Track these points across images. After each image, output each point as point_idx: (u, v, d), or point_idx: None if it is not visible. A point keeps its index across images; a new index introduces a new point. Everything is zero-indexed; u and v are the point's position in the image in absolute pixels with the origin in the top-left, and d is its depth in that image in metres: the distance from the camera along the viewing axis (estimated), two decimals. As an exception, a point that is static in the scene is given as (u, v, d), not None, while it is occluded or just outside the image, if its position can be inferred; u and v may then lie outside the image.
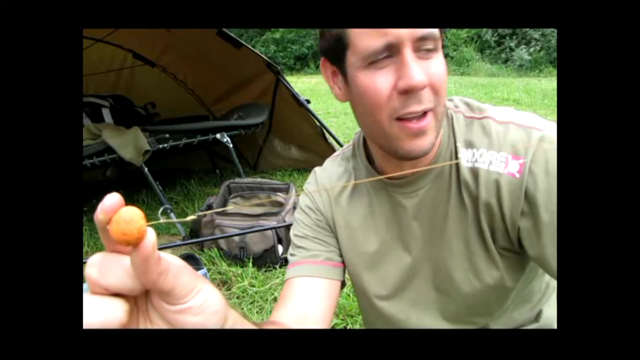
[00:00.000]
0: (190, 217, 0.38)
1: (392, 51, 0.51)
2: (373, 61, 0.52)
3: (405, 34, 0.50)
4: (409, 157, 0.57)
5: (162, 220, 0.37)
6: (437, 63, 0.53)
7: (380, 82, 0.52)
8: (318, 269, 0.68)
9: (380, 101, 0.53)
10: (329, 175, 0.74)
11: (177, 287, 0.32)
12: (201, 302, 0.33)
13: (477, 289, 0.63)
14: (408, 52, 0.51)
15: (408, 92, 0.51)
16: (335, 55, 0.57)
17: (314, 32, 11.84)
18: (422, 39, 0.51)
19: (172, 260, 0.32)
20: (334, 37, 0.55)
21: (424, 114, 0.53)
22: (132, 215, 0.29)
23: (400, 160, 0.59)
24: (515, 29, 10.35)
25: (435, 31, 0.52)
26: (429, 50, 0.52)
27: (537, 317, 0.72)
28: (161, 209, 2.17)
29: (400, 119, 0.53)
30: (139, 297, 0.34)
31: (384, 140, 0.57)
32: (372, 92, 0.53)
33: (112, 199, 0.30)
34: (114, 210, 0.29)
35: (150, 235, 0.30)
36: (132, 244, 0.29)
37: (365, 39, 0.51)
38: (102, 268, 0.31)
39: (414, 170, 0.61)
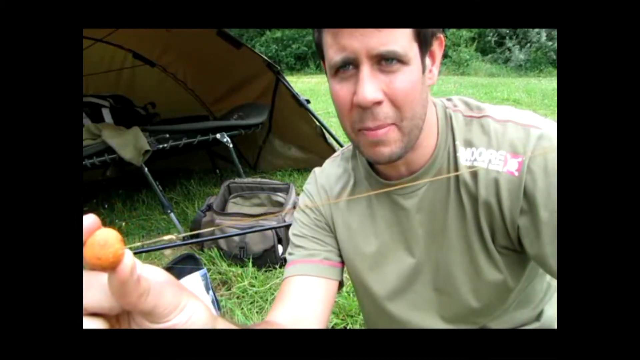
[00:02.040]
0: (168, 236, 0.38)
1: (352, 64, 0.52)
2: (337, 71, 0.54)
3: (361, 51, 0.50)
4: (374, 163, 0.60)
5: (139, 243, 0.36)
6: (402, 78, 0.52)
7: (343, 91, 0.55)
8: (316, 268, 0.68)
9: (344, 110, 0.56)
10: (327, 176, 0.74)
11: (159, 307, 0.31)
12: (185, 320, 0.32)
13: (478, 288, 0.63)
14: (365, 69, 0.51)
15: (361, 107, 0.53)
16: (321, 60, 0.60)
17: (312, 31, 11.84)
18: (380, 55, 0.51)
19: (153, 278, 0.31)
20: (316, 44, 0.58)
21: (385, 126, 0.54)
22: (108, 239, 0.28)
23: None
24: (514, 30, 10.36)
25: (399, 48, 0.50)
26: (392, 63, 0.51)
27: (539, 316, 0.72)
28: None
29: (360, 129, 0.56)
30: (121, 314, 0.33)
31: (352, 143, 0.61)
32: (337, 100, 0.56)
33: (86, 221, 0.28)
34: (89, 232, 0.28)
35: (128, 259, 0.28)
36: (108, 269, 0.28)
37: (331, 52, 0.53)
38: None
39: (420, 182, 0.62)
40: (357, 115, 0.54)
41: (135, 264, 0.29)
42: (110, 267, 0.28)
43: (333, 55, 0.53)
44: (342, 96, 0.55)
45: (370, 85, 0.51)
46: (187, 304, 0.33)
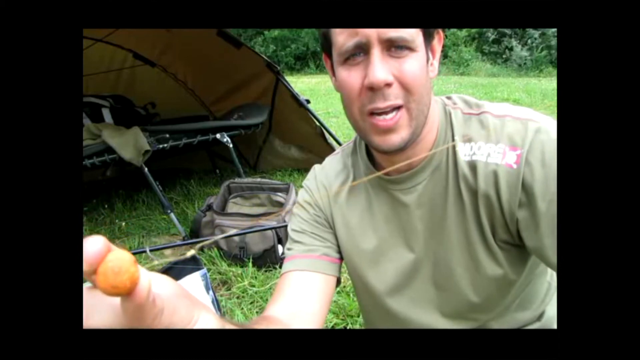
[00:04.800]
0: (190, 253, 0.35)
1: (363, 49, 0.54)
2: (347, 58, 0.56)
3: (373, 35, 0.52)
4: (381, 151, 0.60)
5: (157, 261, 0.34)
6: (411, 62, 0.54)
7: (352, 77, 0.56)
8: (315, 264, 0.68)
9: (353, 96, 0.57)
10: (327, 173, 0.75)
11: (173, 325, 0.29)
12: None
13: (478, 283, 0.63)
14: (375, 52, 0.53)
15: (372, 89, 0.54)
16: (327, 51, 0.61)
17: (311, 31, 11.85)
18: (390, 40, 0.53)
19: (165, 293, 0.29)
20: (323, 35, 0.60)
21: (393, 110, 0.55)
22: (122, 264, 0.25)
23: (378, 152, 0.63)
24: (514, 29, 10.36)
25: (407, 34, 0.53)
26: (401, 49, 0.54)
27: (540, 317, 0.72)
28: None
29: (370, 113, 0.56)
30: None
31: (359, 132, 0.61)
32: (346, 86, 0.57)
33: (95, 246, 0.25)
34: (99, 260, 0.25)
35: (144, 281, 0.26)
36: (124, 295, 0.26)
37: (342, 38, 0.55)
38: (86, 308, 0.28)
39: (409, 161, 0.62)
40: (367, 98, 0.56)
41: (151, 285, 0.27)
42: (127, 293, 0.25)
43: (344, 41, 0.55)
44: (352, 82, 0.56)
45: (381, 67, 0.53)
46: (199, 318, 0.32)
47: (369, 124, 0.57)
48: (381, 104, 0.55)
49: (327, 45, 0.60)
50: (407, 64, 0.54)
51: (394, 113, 0.55)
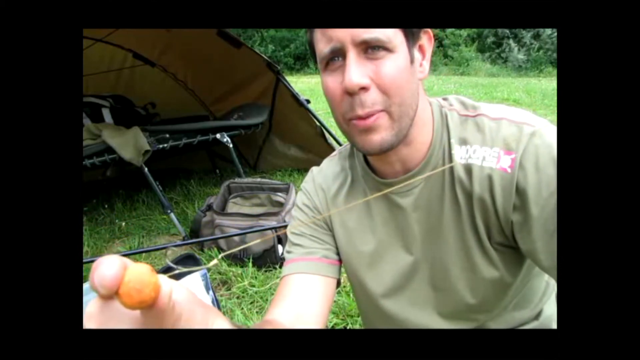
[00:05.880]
0: (213, 263, 0.36)
1: (339, 54, 0.54)
2: (327, 64, 0.56)
3: (347, 38, 0.52)
4: (366, 153, 0.61)
5: (179, 270, 0.34)
6: (389, 64, 0.53)
7: (332, 82, 0.56)
8: (315, 266, 0.68)
9: (335, 101, 0.57)
10: (325, 175, 0.75)
11: None
12: None
13: (474, 284, 0.63)
14: (351, 55, 0.53)
15: (349, 93, 0.54)
16: (315, 59, 0.61)
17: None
18: (365, 42, 0.52)
19: (183, 301, 0.29)
20: (309, 43, 0.60)
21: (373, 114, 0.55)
22: (142, 279, 0.25)
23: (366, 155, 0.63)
24: (512, 30, 10.36)
25: (381, 35, 0.52)
26: (377, 50, 0.53)
27: (537, 316, 0.72)
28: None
29: (351, 119, 0.56)
30: None
31: (345, 136, 0.61)
32: (328, 92, 0.58)
33: (112, 270, 0.25)
34: (118, 283, 0.25)
35: (165, 287, 0.26)
36: (150, 305, 0.26)
37: (321, 45, 0.56)
38: (102, 321, 0.27)
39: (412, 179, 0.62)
40: (347, 105, 0.55)
41: (172, 291, 0.27)
42: (153, 303, 0.26)
43: (322, 47, 0.55)
44: (332, 87, 0.56)
45: (356, 70, 0.53)
46: (214, 324, 0.33)
47: (350, 126, 0.57)
48: (360, 111, 0.54)
49: (312, 53, 0.60)
50: (385, 66, 0.53)
51: (373, 116, 0.55)
